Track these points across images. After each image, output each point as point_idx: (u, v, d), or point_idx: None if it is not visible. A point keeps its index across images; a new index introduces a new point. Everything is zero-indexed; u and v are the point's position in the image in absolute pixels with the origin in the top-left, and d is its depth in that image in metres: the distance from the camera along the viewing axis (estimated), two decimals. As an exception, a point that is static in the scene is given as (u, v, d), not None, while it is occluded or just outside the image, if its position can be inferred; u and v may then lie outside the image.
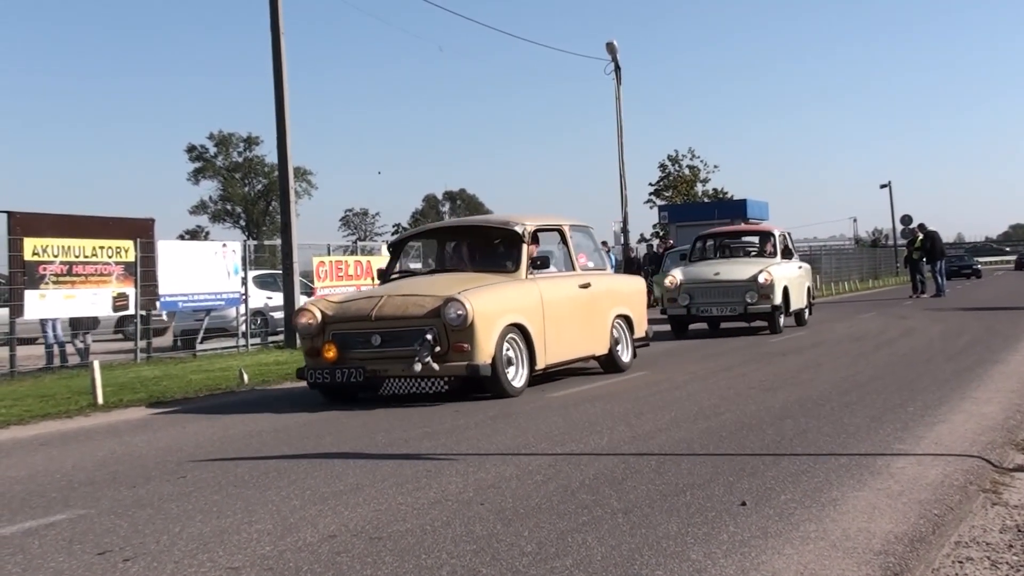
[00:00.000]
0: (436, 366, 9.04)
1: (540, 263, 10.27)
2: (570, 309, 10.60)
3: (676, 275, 17.71)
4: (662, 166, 58.68)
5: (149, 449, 7.52)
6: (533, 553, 4.09)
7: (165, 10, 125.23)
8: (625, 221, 32.53)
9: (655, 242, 36.75)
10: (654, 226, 49.79)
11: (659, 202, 54.48)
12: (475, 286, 9.57)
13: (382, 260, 23.08)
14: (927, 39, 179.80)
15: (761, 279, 16.62)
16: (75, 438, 8.42)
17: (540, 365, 9.94)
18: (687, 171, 57.66)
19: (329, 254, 21.67)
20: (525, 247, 10.32)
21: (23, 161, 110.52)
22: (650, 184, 58.86)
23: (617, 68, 31.08)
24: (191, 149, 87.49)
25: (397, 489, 5.44)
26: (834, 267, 47.21)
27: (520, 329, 9.67)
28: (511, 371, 9.53)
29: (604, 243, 31.08)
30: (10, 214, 14.64)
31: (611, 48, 30.87)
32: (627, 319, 11.88)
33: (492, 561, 4.01)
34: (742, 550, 4.02)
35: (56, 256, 14.86)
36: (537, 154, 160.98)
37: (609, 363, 11.44)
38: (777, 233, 19.03)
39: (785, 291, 17.27)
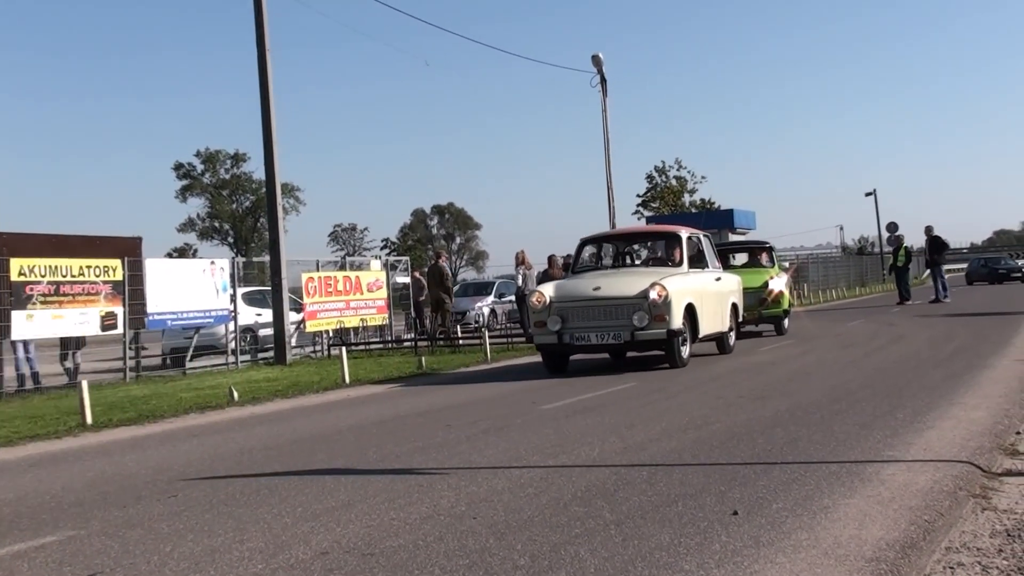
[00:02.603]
0: None
1: None
2: None
3: (544, 291, 13.49)
4: (649, 177, 58.87)
5: (139, 469, 7.49)
6: (526, 567, 4.09)
7: (151, 29, 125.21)
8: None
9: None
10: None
11: (647, 213, 54.59)
12: None
13: (371, 275, 23.14)
14: (910, 50, 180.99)
15: (653, 295, 12.66)
16: (64, 459, 8.38)
17: None
18: (674, 182, 57.83)
19: (318, 270, 21.67)
20: None
21: (8, 181, 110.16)
22: (638, 195, 59.05)
23: (603, 80, 31.16)
24: (178, 167, 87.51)
25: (389, 504, 5.43)
26: (821, 275, 47.35)
27: None
28: None
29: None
30: (-4, 235, 14.61)
31: (596, 61, 30.95)
32: None
33: (485, 575, 4.01)
34: (734, 560, 4.03)
35: (43, 276, 14.82)
36: (525, 167, 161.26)
37: None
38: (685, 235, 14.82)
39: (690, 310, 13.36)
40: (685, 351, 13.20)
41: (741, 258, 22.78)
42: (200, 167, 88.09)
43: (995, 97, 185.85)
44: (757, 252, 22.14)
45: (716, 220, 35.95)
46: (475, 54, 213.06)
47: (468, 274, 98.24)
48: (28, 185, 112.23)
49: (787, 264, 23.68)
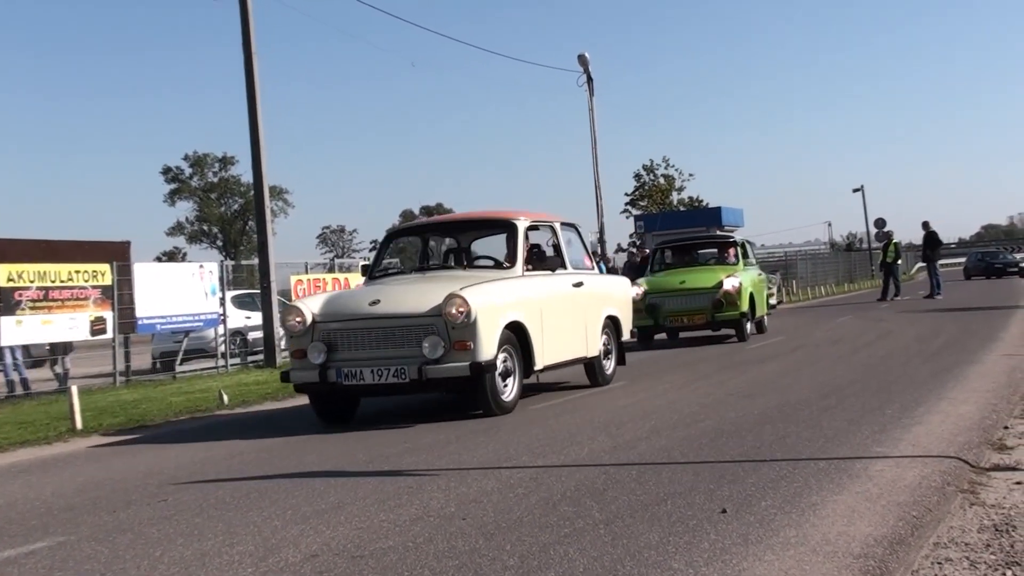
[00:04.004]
0: None
1: None
2: None
3: (305, 307, 9.34)
4: (637, 175, 58.91)
5: (129, 473, 7.48)
6: (515, 567, 4.10)
7: (137, 31, 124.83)
8: (602, 231, 32.60)
9: (635, 251, 36.78)
10: (630, 235, 49.92)
11: (635, 211, 54.65)
12: None
13: (361, 277, 23.11)
14: (897, 46, 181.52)
15: (452, 310, 8.67)
16: (54, 464, 8.36)
17: None
18: (662, 180, 57.90)
19: (307, 272, 21.64)
20: None
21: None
22: (626, 194, 59.09)
23: (589, 80, 31.22)
24: (167, 171, 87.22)
25: (379, 506, 5.43)
26: (810, 272, 47.49)
27: None
28: None
29: (595, 252, 31.00)
30: (-16, 240, 14.57)
31: (583, 60, 31.01)
32: None
33: (475, 576, 4.02)
34: (723, 558, 4.04)
35: (32, 282, 14.77)
36: (513, 166, 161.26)
37: None
38: (522, 225, 10.43)
39: (519, 332, 9.41)
40: (509, 391, 9.25)
41: (707, 255, 20.24)
42: (188, 171, 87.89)
43: (983, 92, 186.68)
44: (724, 247, 19.66)
45: (704, 218, 36.05)
46: (461, 54, 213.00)
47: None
48: (15, 190, 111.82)
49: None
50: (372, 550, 4.50)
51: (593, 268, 12.04)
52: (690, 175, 59.11)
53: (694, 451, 6.56)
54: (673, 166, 58.26)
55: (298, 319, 9.25)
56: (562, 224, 11.37)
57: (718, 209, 37.97)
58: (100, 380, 16.99)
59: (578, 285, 10.89)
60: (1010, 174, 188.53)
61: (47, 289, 15.01)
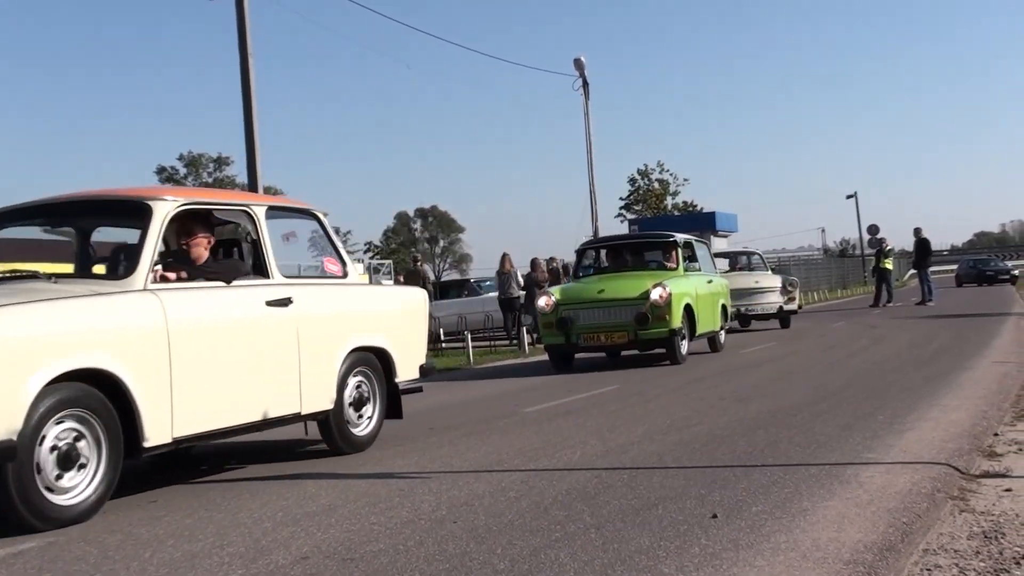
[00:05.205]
0: None
1: None
2: None
3: None
4: (632, 180, 59.04)
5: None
6: (506, 571, 4.09)
7: (133, 30, 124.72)
8: (596, 236, 32.65)
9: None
10: (625, 240, 49.94)
11: (629, 216, 54.72)
12: None
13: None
14: (890, 54, 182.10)
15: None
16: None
17: None
18: (657, 185, 58.01)
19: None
20: None
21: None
22: (620, 199, 59.21)
23: (585, 84, 31.27)
24: (161, 170, 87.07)
25: (370, 509, 5.43)
26: (803, 277, 47.62)
27: None
28: None
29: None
30: (-24, 239, 14.54)
31: (579, 64, 31.06)
32: None
33: (465, 579, 4.01)
34: (713, 563, 4.04)
35: (24, 281, 14.74)
36: (508, 169, 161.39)
37: None
38: (161, 210, 6.43)
39: (108, 387, 5.57)
40: (78, 486, 5.51)
41: (650, 258, 16.06)
42: (183, 171, 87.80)
43: (976, 101, 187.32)
44: (666, 249, 15.65)
45: (698, 223, 36.14)
46: (458, 57, 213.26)
47: (452, 277, 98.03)
48: (11, 189, 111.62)
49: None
50: (363, 553, 4.50)
51: (348, 275, 8.20)
52: (684, 180, 59.31)
53: (686, 456, 6.57)
54: (668, 171, 58.46)
55: None
56: (271, 209, 7.44)
57: (712, 214, 38.08)
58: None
59: (281, 303, 6.92)
60: (1003, 182, 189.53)
61: (39, 288, 14.98)
